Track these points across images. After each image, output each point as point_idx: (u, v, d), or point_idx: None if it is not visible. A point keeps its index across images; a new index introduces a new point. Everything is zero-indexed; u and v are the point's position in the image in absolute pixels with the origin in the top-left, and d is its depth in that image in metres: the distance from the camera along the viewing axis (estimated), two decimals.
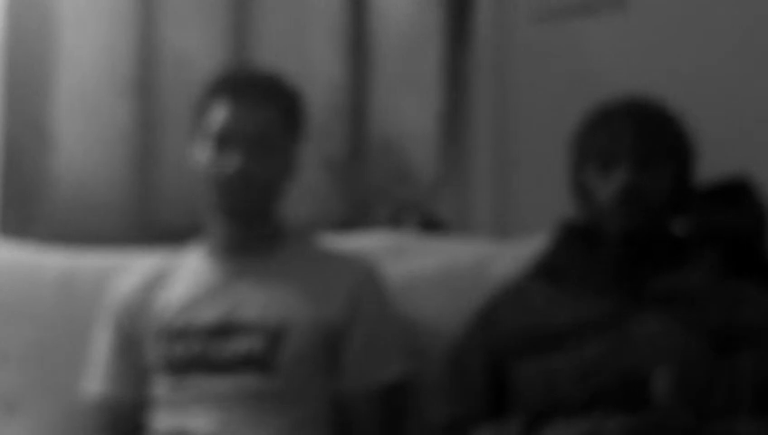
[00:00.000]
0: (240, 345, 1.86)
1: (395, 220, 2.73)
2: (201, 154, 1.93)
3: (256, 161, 1.89)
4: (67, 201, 2.68)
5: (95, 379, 1.99)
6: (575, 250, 1.83)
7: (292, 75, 2.01)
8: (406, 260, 2.10)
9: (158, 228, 2.69)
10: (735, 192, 1.87)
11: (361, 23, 2.80)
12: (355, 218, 2.74)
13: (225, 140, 1.90)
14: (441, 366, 1.86)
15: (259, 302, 1.90)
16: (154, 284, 1.99)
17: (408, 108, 2.80)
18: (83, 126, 2.69)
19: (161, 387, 1.91)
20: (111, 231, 2.67)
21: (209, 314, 1.90)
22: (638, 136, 1.74)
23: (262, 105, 1.92)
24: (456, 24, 2.78)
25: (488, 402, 1.76)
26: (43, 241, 2.42)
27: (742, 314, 1.70)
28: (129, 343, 1.97)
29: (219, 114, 1.91)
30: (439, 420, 1.81)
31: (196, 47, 2.73)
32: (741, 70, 2.32)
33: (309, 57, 2.75)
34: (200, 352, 1.88)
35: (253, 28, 2.76)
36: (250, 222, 1.96)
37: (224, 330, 1.88)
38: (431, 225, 2.72)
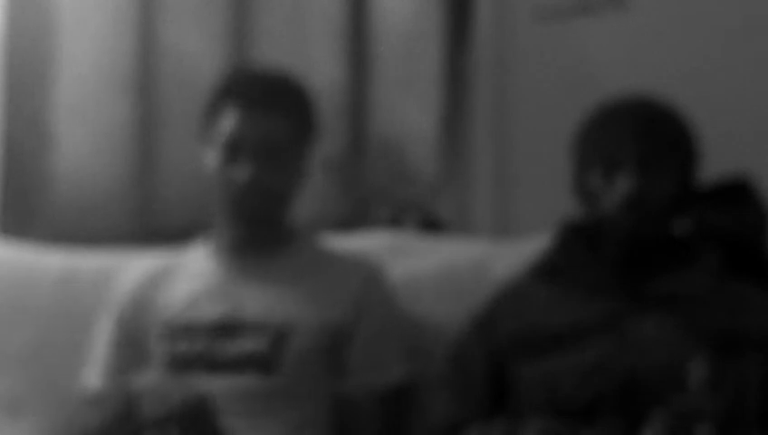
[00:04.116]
0: (244, 345, 1.86)
1: (395, 220, 2.72)
2: (212, 161, 1.91)
3: (268, 170, 1.87)
4: (67, 201, 2.68)
5: (94, 372, 1.99)
6: (576, 251, 1.82)
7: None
8: (406, 260, 2.10)
9: (158, 228, 2.68)
10: (736, 192, 1.86)
11: (361, 23, 2.79)
12: (355, 218, 2.74)
13: (235, 149, 1.88)
14: (441, 366, 1.85)
15: (263, 301, 1.90)
16: (159, 280, 1.99)
17: (408, 108, 2.80)
18: (83, 126, 2.69)
19: None
20: (111, 231, 2.67)
21: (213, 312, 1.90)
22: (642, 139, 1.72)
23: (273, 112, 1.89)
24: (456, 24, 2.78)
25: (488, 403, 1.76)
26: (43, 241, 2.42)
27: (744, 318, 1.69)
28: (131, 339, 1.97)
29: (229, 122, 1.89)
30: (439, 420, 1.80)
31: (196, 47, 2.73)
32: (741, 69, 2.32)
33: (309, 57, 2.75)
34: (204, 350, 1.87)
35: (253, 28, 2.76)
36: (260, 226, 1.95)
37: (228, 328, 1.88)
38: (431, 225, 2.71)
